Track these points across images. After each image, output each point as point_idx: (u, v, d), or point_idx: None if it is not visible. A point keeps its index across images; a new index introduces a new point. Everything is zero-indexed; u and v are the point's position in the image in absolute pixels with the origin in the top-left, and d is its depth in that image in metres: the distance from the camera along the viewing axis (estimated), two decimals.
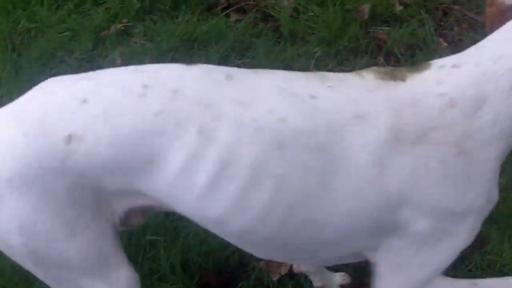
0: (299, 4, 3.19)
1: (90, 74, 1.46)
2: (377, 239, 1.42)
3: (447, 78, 1.34)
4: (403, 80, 1.37)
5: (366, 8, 3.09)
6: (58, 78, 1.47)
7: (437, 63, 1.39)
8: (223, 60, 2.92)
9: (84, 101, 1.35)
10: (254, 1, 3.28)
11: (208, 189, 1.33)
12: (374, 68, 1.44)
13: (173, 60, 2.93)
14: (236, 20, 3.19)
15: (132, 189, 1.39)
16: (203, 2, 3.29)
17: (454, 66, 1.36)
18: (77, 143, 1.32)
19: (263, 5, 3.23)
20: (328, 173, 1.32)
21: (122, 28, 3.18)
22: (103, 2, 3.39)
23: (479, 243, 2.16)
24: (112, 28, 3.19)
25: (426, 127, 1.31)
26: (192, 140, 1.31)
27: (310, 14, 3.13)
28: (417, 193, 1.33)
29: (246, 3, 3.28)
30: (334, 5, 3.11)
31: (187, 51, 3.00)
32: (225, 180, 1.33)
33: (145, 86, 1.35)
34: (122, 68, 1.46)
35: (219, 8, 3.28)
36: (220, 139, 1.31)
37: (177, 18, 3.20)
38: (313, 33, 3.04)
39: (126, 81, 1.39)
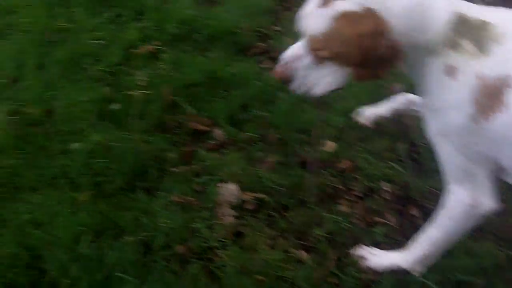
0: None
1: None
2: None
3: None
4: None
5: None
6: None
7: None
8: (242, 108, 2.88)
9: None
10: None
11: None
12: None
13: (191, 95, 2.90)
14: (267, 68, 3.14)
15: None
16: (238, 43, 3.27)
17: None
18: None
19: None
20: None
21: (152, 50, 3.17)
22: (141, 19, 3.40)
23: None
24: (142, 48, 3.18)
25: None
26: None
27: None
28: None
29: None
30: None
31: (209, 89, 2.96)
32: None
33: None
34: None
35: (252, 52, 3.25)
36: None
37: (208, 51, 3.19)
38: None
39: None
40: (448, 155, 1.83)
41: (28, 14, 3.45)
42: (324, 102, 2.98)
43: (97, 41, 3.23)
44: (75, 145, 2.61)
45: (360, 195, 2.51)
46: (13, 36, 3.33)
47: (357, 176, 2.58)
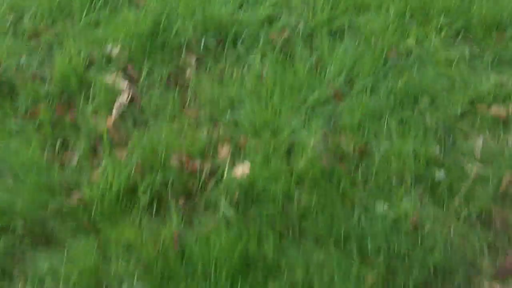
0: None
1: None
2: None
3: None
4: None
5: None
6: None
7: None
8: None
9: None
10: None
11: None
12: None
13: None
14: None
15: None
16: None
17: None
18: None
19: None
20: None
21: None
22: None
23: None
24: None
25: None
26: None
27: None
28: None
29: None
30: None
31: None
32: None
33: None
34: None
35: None
36: None
37: None
38: None
39: None
40: None
41: (373, 20, 3.02)
42: None
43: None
44: (381, 206, 2.18)
45: None
46: (352, 37, 2.92)
47: None
